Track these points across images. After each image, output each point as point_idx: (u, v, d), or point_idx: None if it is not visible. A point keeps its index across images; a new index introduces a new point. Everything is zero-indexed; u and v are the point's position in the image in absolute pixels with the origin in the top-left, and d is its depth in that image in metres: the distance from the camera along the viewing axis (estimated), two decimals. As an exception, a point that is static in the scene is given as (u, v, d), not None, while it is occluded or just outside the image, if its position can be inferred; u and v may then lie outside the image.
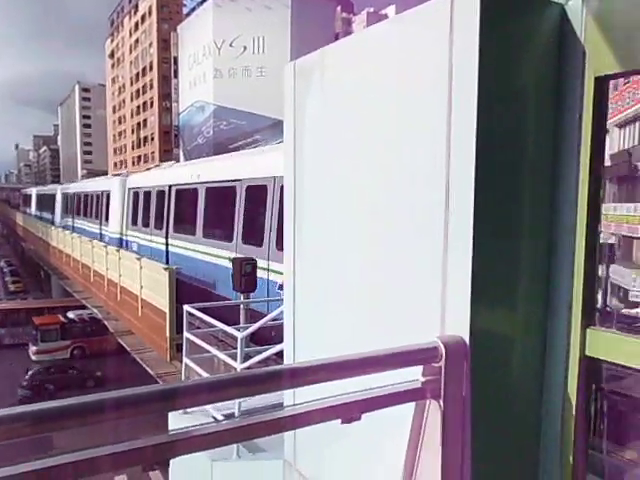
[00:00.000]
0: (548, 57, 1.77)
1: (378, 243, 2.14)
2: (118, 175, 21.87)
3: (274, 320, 4.90)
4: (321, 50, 2.42)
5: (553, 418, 1.88)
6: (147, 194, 16.40)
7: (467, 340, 1.73)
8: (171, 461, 4.61)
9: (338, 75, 2.35)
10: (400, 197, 2.01)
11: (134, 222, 17.72)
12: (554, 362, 1.88)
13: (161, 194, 14.99)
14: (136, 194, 17.66)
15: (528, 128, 1.79)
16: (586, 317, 1.79)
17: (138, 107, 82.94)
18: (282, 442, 2.92)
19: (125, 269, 13.11)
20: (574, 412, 1.81)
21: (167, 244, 14.39)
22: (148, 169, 20.46)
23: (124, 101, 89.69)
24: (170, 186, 14.38)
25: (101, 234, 21.14)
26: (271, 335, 5.40)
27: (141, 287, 11.57)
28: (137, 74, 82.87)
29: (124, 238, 18.52)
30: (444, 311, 1.83)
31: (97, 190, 22.71)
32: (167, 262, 13.61)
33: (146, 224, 16.35)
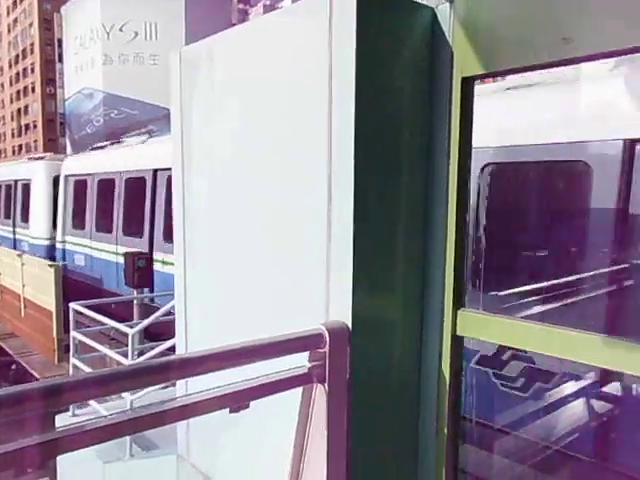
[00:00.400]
0: (421, 57, 1.89)
1: (266, 235, 2.18)
2: (40, 158, 15.78)
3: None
4: (208, 39, 2.40)
5: (430, 393, 2.03)
6: (105, 184, 11.41)
7: (350, 325, 1.82)
8: (59, 467, 4.38)
9: (225, 65, 2.35)
10: (286, 190, 2.06)
11: (78, 224, 12.38)
12: (430, 342, 2.02)
13: (137, 184, 10.18)
14: (81, 184, 12.42)
15: (403, 125, 1.90)
16: (457, 300, 1.95)
17: (18, 92, 76.62)
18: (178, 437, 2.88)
19: (4, 266, 12.13)
20: (447, 387, 1.97)
21: (151, 260, 9.60)
22: (100, 147, 14.33)
23: (2, 85, 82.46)
24: (156, 171, 9.72)
25: (15, 239, 15.25)
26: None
27: (23, 286, 10.80)
28: (17, 56, 76.48)
29: (60, 246, 13.12)
30: (328, 299, 1.90)
31: (6, 180, 16.38)
32: (152, 289, 8.93)
33: (105, 228, 11.28)
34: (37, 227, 13.95)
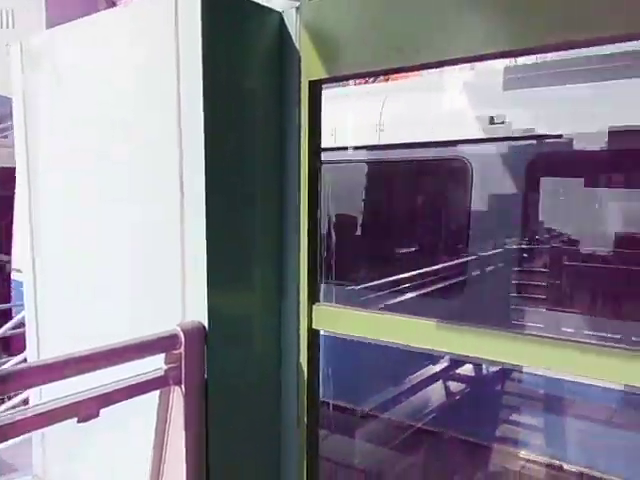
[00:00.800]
0: (270, 60, 1.93)
1: (118, 235, 2.11)
2: None
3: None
4: (52, 30, 2.27)
5: (290, 385, 2.09)
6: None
7: (206, 325, 1.82)
8: None
9: (71, 59, 2.23)
10: (137, 190, 2.01)
11: None
12: (288, 336, 2.08)
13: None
14: None
15: (256, 129, 1.93)
16: (312, 296, 2.03)
17: None
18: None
19: None
20: (306, 378, 2.04)
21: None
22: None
23: None
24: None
25: None
26: None
27: None
28: None
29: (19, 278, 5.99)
30: (184, 299, 1.89)
31: None
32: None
33: None
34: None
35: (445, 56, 1.68)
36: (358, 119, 4.55)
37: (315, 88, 1.90)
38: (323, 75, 1.86)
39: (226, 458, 1.94)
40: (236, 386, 1.98)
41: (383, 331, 1.91)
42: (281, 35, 1.93)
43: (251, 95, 1.90)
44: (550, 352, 1.59)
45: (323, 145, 1.93)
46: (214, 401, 1.85)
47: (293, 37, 1.91)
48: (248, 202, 1.94)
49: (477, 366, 4.17)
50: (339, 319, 2.01)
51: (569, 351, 1.55)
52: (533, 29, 1.54)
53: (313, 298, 2.03)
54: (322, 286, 2.10)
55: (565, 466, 3.76)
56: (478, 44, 1.63)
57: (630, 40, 1.47)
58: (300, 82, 1.91)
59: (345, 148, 4.52)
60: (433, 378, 4.26)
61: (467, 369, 4.26)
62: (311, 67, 1.88)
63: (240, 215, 1.92)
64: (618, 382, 1.54)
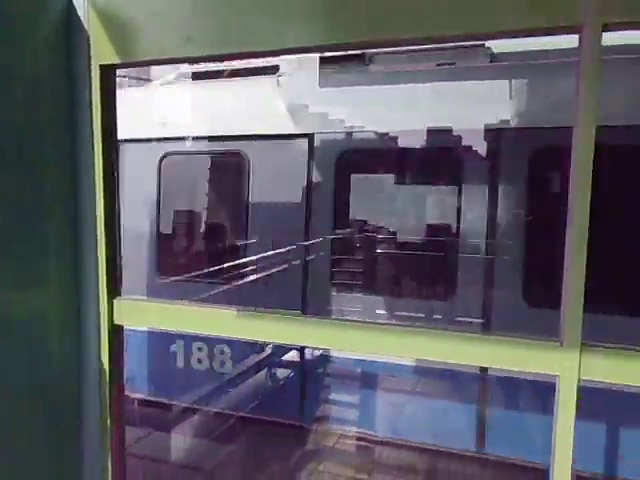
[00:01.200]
0: (58, 45, 1.80)
1: None
2: None
3: None
4: None
5: (91, 382, 1.99)
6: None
7: None
8: None
9: None
10: None
11: None
12: (89, 333, 1.98)
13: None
14: None
15: (43, 117, 1.80)
16: (112, 290, 1.95)
17: None
18: None
19: None
20: (108, 374, 1.96)
21: None
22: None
23: None
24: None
25: None
26: None
27: None
28: None
29: None
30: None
31: None
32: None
33: None
34: None
35: (239, 49, 1.71)
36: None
37: (108, 72, 1.82)
38: (116, 60, 1.79)
39: (16, 464, 1.80)
40: (27, 389, 1.84)
41: (187, 322, 1.91)
42: (68, 15, 1.81)
43: (34, 74, 1.76)
44: (348, 334, 1.68)
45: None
46: (5, 404, 1.71)
47: (82, 19, 1.80)
48: (36, 191, 1.80)
49: (301, 352, 4.34)
50: (143, 313, 1.96)
51: (373, 333, 1.62)
52: (336, 27, 1.56)
53: (114, 292, 1.95)
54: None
55: (375, 437, 4.08)
56: (276, 39, 1.67)
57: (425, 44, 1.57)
58: (90, 67, 1.81)
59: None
60: (258, 366, 4.34)
61: (293, 355, 4.42)
62: (102, 51, 1.79)
63: (25, 205, 1.77)
64: (420, 358, 1.66)
